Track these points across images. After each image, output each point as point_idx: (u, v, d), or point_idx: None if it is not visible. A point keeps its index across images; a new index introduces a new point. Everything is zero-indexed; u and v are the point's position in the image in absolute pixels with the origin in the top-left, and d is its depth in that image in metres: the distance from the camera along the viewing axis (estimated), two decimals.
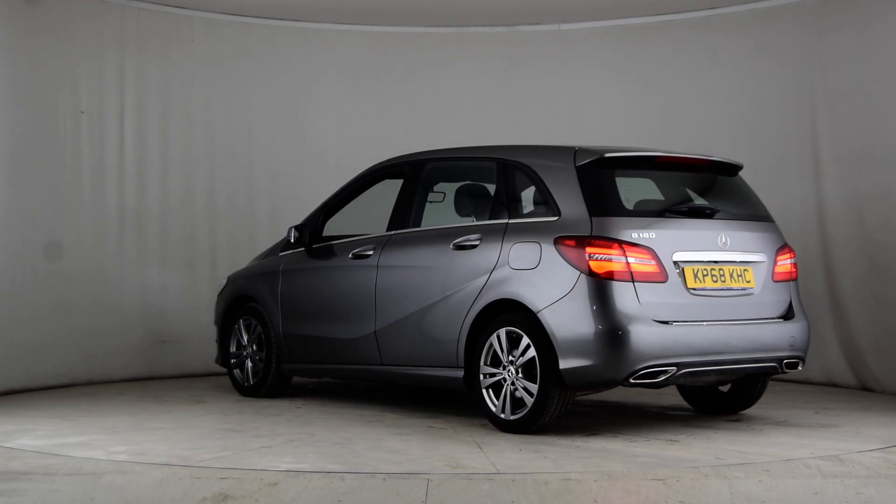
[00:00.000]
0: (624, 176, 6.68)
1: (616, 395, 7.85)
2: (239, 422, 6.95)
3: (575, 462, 5.44)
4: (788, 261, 6.78)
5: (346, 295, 7.47)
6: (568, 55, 10.22)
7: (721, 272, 6.41)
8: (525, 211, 6.61)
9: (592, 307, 6.01)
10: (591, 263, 6.04)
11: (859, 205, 8.61)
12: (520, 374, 6.27)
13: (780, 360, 6.52)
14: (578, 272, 6.06)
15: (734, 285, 6.45)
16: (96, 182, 9.24)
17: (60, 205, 8.96)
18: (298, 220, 9.83)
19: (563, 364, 6.05)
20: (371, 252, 7.30)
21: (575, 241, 6.12)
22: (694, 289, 6.26)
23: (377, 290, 7.21)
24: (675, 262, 6.22)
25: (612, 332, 5.98)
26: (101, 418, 7.08)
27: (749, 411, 7.15)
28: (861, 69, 8.66)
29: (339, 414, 7.26)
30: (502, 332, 6.35)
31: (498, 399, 6.38)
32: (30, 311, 8.60)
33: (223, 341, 8.44)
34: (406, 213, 7.23)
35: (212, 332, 9.98)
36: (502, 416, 6.35)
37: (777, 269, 6.68)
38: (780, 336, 6.55)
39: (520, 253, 6.36)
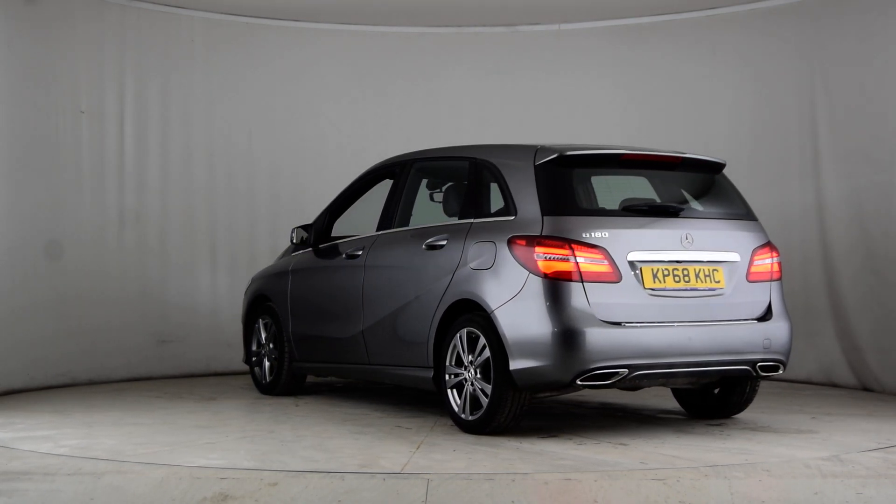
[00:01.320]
0: (588, 175, 6.68)
1: (614, 396, 7.85)
2: (221, 419, 7.04)
3: (492, 463, 5.38)
4: (768, 260, 6.57)
5: (339, 294, 7.57)
6: (568, 55, 10.22)
7: (685, 272, 6.23)
8: (489, 211, 6.54)
9: (539, 308, 5.92)
10: (540, 263, 5.96)
11: (859, 204, 8.61)
12: (478, 375, 6.24)
13: (753, 363, 6.31)
14: (527, 272, 5.99)
15: (700, 286, 6.25)
16: (96, 182, 9.24)
17: (60, 205, 8.96)
18: (298, 220, 9.84)
19: (513, 365, 5.99)
20: (360, 252, 7.39)
21: (526, 240, 6.05)
22: (652, 289, 6.10)
23: (364, 290, 7.27)
24: (632, 262, 6.07)
25: (558, 333, 5.87)
26: (100, 418, 7.08)
27: (740, 415, 6.96)
28: (861, 69, 8.66)
29: (327, 413, 7.31)
30: (464, 332, 6.32)
31: (461, 399, 6.38)
32: (30, 310, 8.60)
33: (246, 340, 8.57)
34: (392, 213, 7.28)
35: (211, 331, 10.01)
36: (463, 416, 6.34)
37: (753, 269, 6.47)
38: (752, 338, 6.33)
39: (478, 253, 6.33)
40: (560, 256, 5.96)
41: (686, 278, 6.23)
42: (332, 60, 10.32)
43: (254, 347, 8.44)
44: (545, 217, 6.08)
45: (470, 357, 6.28)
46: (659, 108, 9.93)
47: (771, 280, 6.57)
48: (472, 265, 6.33)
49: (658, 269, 6.14)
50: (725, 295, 6.33)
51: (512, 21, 10.27)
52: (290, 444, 6.01)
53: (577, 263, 5.95)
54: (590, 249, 5.99)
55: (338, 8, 9.91)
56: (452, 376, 6.41)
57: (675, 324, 6.12)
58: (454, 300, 6.40)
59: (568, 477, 5.03)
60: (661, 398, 7.62)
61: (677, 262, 6.22)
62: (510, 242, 6.12)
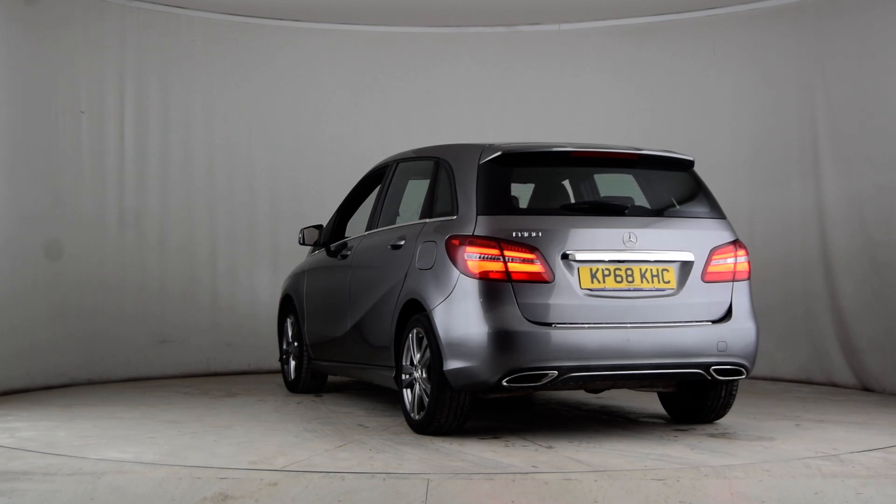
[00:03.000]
0: (537, 173, 6.64)
1: (611, 398, 7.86)
2: (195, 415, 7.20)
3: (383, 463, 5.37)
4: (730, 260, 6.28)
5: (334, 294, 7.66)
6: (568, 55, 10.23)
7: (629, 272, 6.03)
8: (440, 210, 6.45)
9: (468, 308, 5.85)
10: (470, 263, 5.89)
11: (859, 204, 8.61)
12: (424, 375, 6.20)
13: (706, 366, 6.04)
14: (459, 272, 5.93)
15: (646, 286, 6.03)
16: (96, 182, 9.24)
17: (60, 205, 8.96)
18: (298, 220, 9.87)
19: (447, 366, 5.93)
20: (349, 252, 7.46)
21: (459, 240, 5.98)
22: (590, 290, 5.94)
23: (350, 290, 7.33)
24: (567, 262, 5.93)
25: (483, 334, 5.78)
26: (100, 418, 7.08)
27: (723, 419, 6.77)
28: (861, 69, 8.66)
29: (312, 410, 7.43)
30: (413, 332, 6.30)
31: (411, 399, 6.37)
32: (30, 310, 8.60)
33: (279, 338, 8.73)
34: (378, 213, 7.31)
35: (211, 331, 10.01)
36: (412, 415, 6.33)
37: (710, 269, 6.20)
38: (705, 341, 6.06)
39: (424, 252, 6.30)
40: (489, 256, 5.86)
41: (630, 278, 6.02)
42: (332, 60, 10.32)
43: (283, 346, 8.63)
44: (479, 217, 6.01)
45: (418, 357, 6.26)
46: (659, 108, 9.94)
47: (733, 280, 6.26)
48: (419, 265, 6.32)
49: (597, 269, 5.98)
50: (676, 296, 6.08)
51: (512, 21, 10.27)
52: (223, 442, 6.08)
53: (505, 263, 5.85)
54: (520, 249, 5.88)
55: (338, 8, 9.91)
56: (407, 376, 6.39)
57: (614, 325, 5.92)
58: (406, 300, 6.38)
59: (568, 477, 5.03)
60: (651, 403, 7.52)
61: (619, 261, 6.02)
62: (447, 242, 6.07)
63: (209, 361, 9.78)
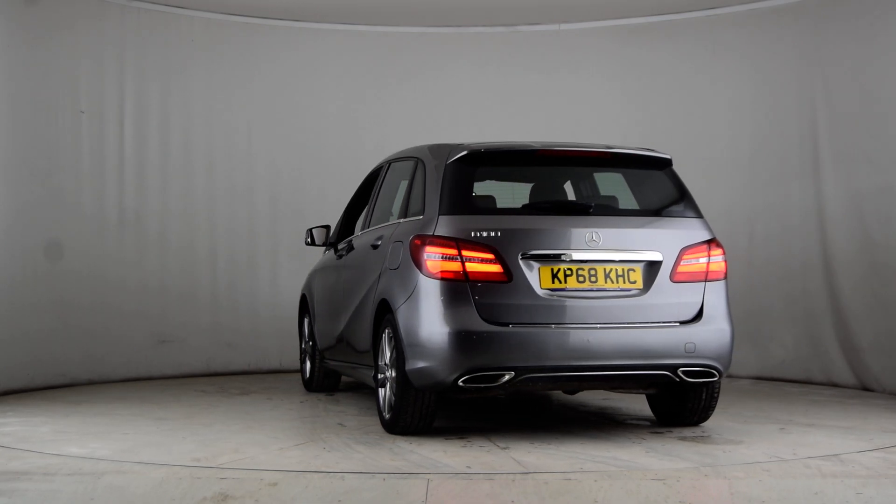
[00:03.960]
0: (504, 172, 6.62)
1: (611, 399, 7.86)
2: (189, 412, 7.29)
3: (349, 463, 5.39)
4: (703, 259, 6.11)
5: (333, 294, 7.73)
6: (568, 55, 10.23)
7: (592, 272, 5.93)
8: (412, 210, 6.42)
9: (426, 308, 5.82)
10: (429, 263, 5.86)
11: (859, 205, 8.61)
12: (393, 374, 6.19)
13: (673, 368, 5.90)
14: (419, 272, 5.92)
15: (611, 286, 5.93)
16: (96, 182, 9.24)
17: (60, 205, 8.97)
18: (298, 220, 9.87)
19: (408, 365, 5.93)
20: (344, 253, 7.51)
21: (420, 240, 5.97)
22: (550, 290, 5.85)
23: (343, 290, 7.38)
24: (527, 262, 5.85)
25: (439, 334, 5.76)
26: (100, 417, 7.08)
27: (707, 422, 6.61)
28: (861, 69, 8.66)
29: (311, 408, 7.52)
30: (386, 332, 6.30)
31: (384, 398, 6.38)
32: (30, 310, 8.60)
33: (300, 338, 8.80)
34: (370, 213, 7.34)
35: (211, 331, 10.01)
36: (384, 414, 6.33)
37: (680, 269, 6.04)
38: (671, 342, 5.91)
39: (394, 253, 6.31)
40: (448, 256, 5.84)
41: (593, 279, 5.93)
42: (332, 60, 10.32)
43: (302, 345, 8.70)
44: (440, 216, 5.99)
45: (388, 356, 6.25)
46: (659, 108, 9.94)
47: (706, 280, 6.10)
48: (389, 265, 6.32)
49: (559, 269, 5.89)
50: (643, 296, 5.96)
51: (512, 21, 10.27)
52: (181, 434, 6.27)
53: (463, 263, 5.82)
54: (478, 249, 5.84)
55: (338, 8, 9.92)
56: (382, 375, 6.38)
57: (575, 326, 5.82)
58: (379, 300, 6.39)
59: (568, 477, 5.03)
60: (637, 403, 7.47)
61: (582, 261, 5.92)
62: (410, 243, 6.06)
63: (209, 361, 9.78)
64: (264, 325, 9.96)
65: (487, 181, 6.82)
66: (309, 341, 8.41)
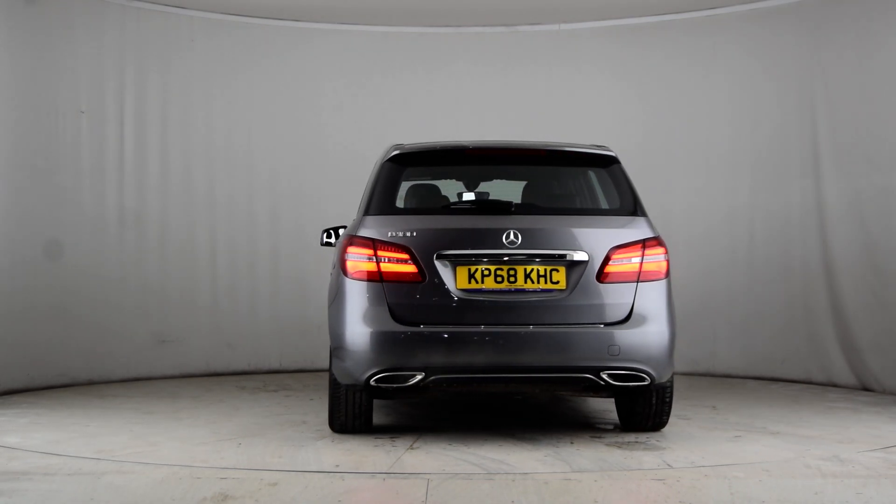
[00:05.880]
0: (436, 172, 6.61)
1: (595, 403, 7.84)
2: (178, 406, 7.52)
3: (233, 458, 5.48)
4: (635, 259, 5.88)
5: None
6: (568, 55, 10.23)
7: (512, 272, 5.80)
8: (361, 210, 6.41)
9: (344, 308, 5.85)
10: (348, 264, 5.90)
11: (859, 205, 8.61)
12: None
13: (595, 370, 5.71)
14: (341, 273, 5.96)
15: (531, 286, 5.78)
16: (96, 182, 9.24)
17: (60, 205, 8.97)
18: (298, 220, 9.84)
19: (332, 364, 5.99)
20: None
21: (346, 241, 6.01)
22: (466, 290, 5.77)
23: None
24: (443, 262, 5.79)
25: (353, 334, 5.78)
26: (100, 418, 7.08)
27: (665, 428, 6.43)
28: (861, 69, 8.66)
29: (305, 405, 7.54)
30: None
31: None
32: (30, 311, 8.61)
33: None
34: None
35: (211, 331, 10.00)
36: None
37: (608, 269, 5.84)
38: (594, 344, 5.73)
39: (335, 252, 6.35)
40: (365, 257, 5.86)
41: (512, 279, 5.80)
42: (332, 60, 10.32)
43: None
44: (364, 217, 6.02)
45: None
46: (659, 108, 9.94)
47: (637, 281, 5.88)
48: (332, 265, 6.37)
49: (476, 270, 5.81)
50: (566, 297, 5.80)
51: (512, 21, 10.27)
52: (138, 428, 6.51)
53: (378, 263, 5.82)
54: (394, 249, 5.83)
55: (338, 8, 9.91)
56: None
57: (489, 327, 5.71)
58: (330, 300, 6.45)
59: (568, 477, 5.03)
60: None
61: (500, 261, 5.81)
62: (342, 243, 6.11)
63: (209, 361, 9.78)
64: (264, 325, 9.96)
65: (444, 181, 6.85)
66: None
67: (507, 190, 6.93)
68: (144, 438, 6.23)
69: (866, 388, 8.50)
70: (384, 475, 5.07)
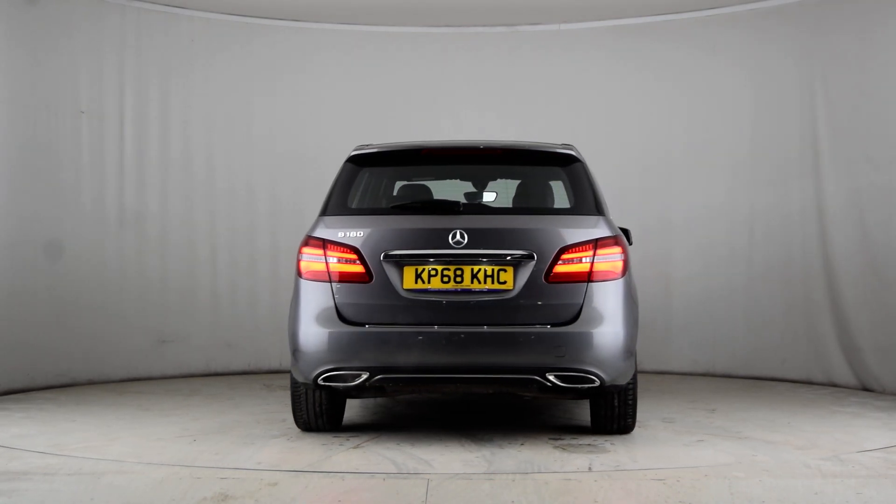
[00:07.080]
0: (393, 172, 6.64)
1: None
2: (175, 403, 7.56)
3: (197, 457, 5.56)
4: (586, 259, 5.78)
5: None
6: (568, 55, 10.23)
7: (458, 272, 5.77)
8: None
9: (296, 308, 5.94)
10: (301, 264, 5.98)
11: (859, 205, 8.61)
12: None
13: (541, 372, 5.63)
14: (296, 273, 6.04)
15: (477, 287, 5.75)
16: (96, 182, 9.25)
17: (60, 205, 8.97)
18: (298, 220, 9.79)
19: (291, 363, 6.05)
20: None
21: (302, 241, 6.06)
22: (412, 290, 5.77)
23: None
24: (390, 262, 5.80)
25: (301, 333, 5.86)
26: (100, 418, 7.08)
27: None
28: (861, 69, 8.66)
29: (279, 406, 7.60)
30: None
31: None
32: (30, 310, 8.61)
33: None
34: None
35: (211, 331, 9.99)
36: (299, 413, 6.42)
37: (557, 269, 5.76)
38: (539, 345, 5.66)
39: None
40: (315, 257, 5.92)
41: (458, 279, 5.77)
42: (332, 60, 10.32)
43: None
44: (320, 217, 6.10)
45: None
46: (659, 108, 9.94)
47: (588, 281, 5.76)
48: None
49: (423, 270, 5.80)
50: (513, 297, 5.74)
51: (512, 21, 10.27)
52: (119, 424, 6.67)
53: (327, 264, 5.88)
54: (342, 249, 5.88)
55: (338, 8, 9.92)
56: None
57: (435, 327, 5.69)
58: None
59: (568, 477, 5.03)
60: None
61: (447, 261, 5.79)
62: (300, 244, 6.15)
63: (209, 361, 9.78)
64: (264, 325, 9.95)
65: (417, 181, 6.85)
66: None
67: (508, 190, 6.94)
68: (106, 435, 6.32)
69: (866, 388, 8.50)
70: (384, 475, 5.07)
